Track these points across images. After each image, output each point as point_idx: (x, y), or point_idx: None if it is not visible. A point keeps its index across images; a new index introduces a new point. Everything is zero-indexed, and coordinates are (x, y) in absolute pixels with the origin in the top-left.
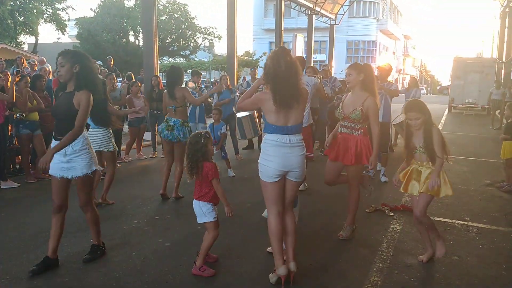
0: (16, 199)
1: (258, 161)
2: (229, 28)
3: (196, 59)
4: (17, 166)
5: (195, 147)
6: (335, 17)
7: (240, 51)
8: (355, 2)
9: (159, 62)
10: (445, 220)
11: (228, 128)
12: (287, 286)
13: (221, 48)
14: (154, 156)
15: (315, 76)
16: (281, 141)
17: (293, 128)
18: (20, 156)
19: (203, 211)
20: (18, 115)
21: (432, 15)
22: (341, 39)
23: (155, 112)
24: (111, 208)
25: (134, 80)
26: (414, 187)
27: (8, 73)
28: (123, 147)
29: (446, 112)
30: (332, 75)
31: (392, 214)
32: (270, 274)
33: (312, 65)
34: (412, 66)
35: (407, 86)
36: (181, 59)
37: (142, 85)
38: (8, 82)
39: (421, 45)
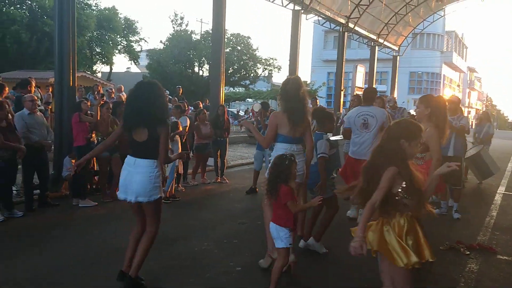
0: (93, 216)
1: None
2: (292, 58)
3: (254, 88)
4: (94, 186)
5: (279, 168)
6: (399, 48)
7: None
8: (419, 34)
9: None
10: None
11: None
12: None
13: (278, 78)
14: (218, 181)
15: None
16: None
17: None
18: (96, 177)
19: (280, 236)
20: (99, 138)
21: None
22: (403, 70)
23: (219, 139)
24: (181, 230)
25: (201, 108)
26: None
27: (89, 100)
28: (190, 171)
29: None
30: (400, 106)
31: (468, 253)
32: (260, 260)
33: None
34: (478, 100)
35: (477, 121)
36: (241, 88)
37: (208, 112)
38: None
39: (487, 79)
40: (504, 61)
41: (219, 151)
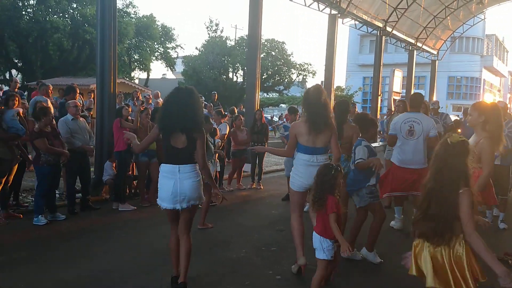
0: (132, 220)
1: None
2: (328, 63)
3: (288, 94)
4: (132, 191)
5: (324, 178)
6: (437, 52)
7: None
8: (458, 38)
9: None
10: None
11: None
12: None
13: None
14: (253, 187)
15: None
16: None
17: (320, 149)
18: (135, 182)
19: (322, 247)
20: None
21: None
22: (442, 75)
23: (255, 144)
24: (219, 236)
25: (237, 114)
26: None
27: (130, 106)
28: (226, 176)
29: None
30: (443, 112)
31: None
32: (292, 266)
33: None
34: None
35: None
36: (275, 94)
37: (243, 118)
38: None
39: None
40: None
41: (257, 157)
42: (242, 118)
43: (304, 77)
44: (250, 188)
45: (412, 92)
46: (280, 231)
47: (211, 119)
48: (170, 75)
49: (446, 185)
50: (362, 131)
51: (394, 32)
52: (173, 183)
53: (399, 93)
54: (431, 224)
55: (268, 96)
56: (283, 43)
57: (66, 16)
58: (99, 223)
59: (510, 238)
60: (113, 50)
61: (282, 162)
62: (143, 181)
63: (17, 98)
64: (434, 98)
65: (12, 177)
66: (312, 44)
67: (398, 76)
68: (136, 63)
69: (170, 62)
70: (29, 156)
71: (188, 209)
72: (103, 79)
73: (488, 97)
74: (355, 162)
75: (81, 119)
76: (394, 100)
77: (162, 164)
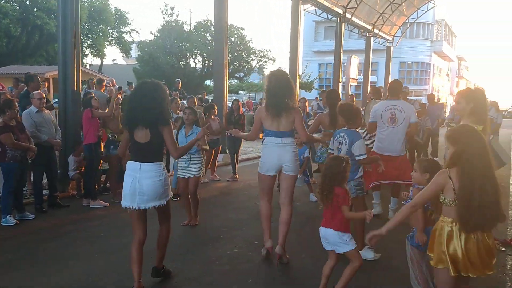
0: (107, 218)
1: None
2: (292, 50)
3: (248, 80)
4: (102, 186)
5: (334, 170)
6: (392, 38)
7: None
8: (409, 24)
9: (212, 83)
10: None
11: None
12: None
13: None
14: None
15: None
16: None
17: (286, 133)
18: (103, 176)
19: (344, 240)
20: (109, 136)
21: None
22: (393, 61)
23: (232, 135)
24: (209, 232)
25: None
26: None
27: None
28: None
29: None
30: (411, 97)
31: (504, 249)
32: (262, 249)
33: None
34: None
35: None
36: (235, 81)
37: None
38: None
39: (476, 67)
40: (491, 49)
41: (234, 147)
42: (216, 107)
43: (264, 63)
44: (225, 180)
45: (369, 79)
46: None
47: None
48: (120, 60)
49: (492, 173)
50: (347, 122)
51: (353, 18)
52: (131, 181)
53: (356, 79)
54: (487, 213)
55: (229, 83)
56: (242, 29)
57: (13, 1)
58: (72, 222)
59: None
60: (76, 36)
61: (251, 151)
62: (116, 176)
63: None
64: None
65: None
66: (271, 30)
67: (355, 62)
68: (89, 49)
69: (125, 48)
70: None
71: (158, 207)
72: (65, 68)
73: (438, 82)
74: (359, 159)
75: (45, 111)
76: (373, 87)
77: (128, 161)
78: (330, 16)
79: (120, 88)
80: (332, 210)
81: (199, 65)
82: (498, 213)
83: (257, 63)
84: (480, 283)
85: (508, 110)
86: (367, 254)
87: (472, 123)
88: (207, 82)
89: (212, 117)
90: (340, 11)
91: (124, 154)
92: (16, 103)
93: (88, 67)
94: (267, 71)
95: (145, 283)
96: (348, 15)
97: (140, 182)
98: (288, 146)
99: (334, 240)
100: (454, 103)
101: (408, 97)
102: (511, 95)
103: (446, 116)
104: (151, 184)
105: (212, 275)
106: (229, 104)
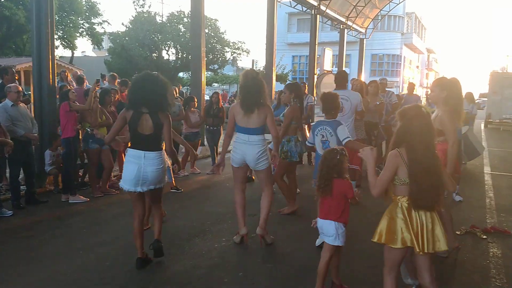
0: (87, 213)
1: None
2: (268, 42)
3: (222, 73)
4: (79, 180)
5: (330, 163)
6: (365, 31)
7: (262, 63)
8: (384, 16)
9: (187, 75)
10: None
11: None
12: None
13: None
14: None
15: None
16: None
17: (253, 130)
18: (81, 171)
19: (338, 233)
20: (88, 129)
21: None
22: (365, 53)
23: (211, 128)
24: (195, 225)
25: (190, 96)
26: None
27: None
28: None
29: (483, 127)
30: (389, 89)
31: (485, 237)
32: (234, 236)
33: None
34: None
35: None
36: (209, 73)
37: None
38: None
39: (444, 59)
40: (459, 40)
41: (213, 140)
42: (195, 99)
43: (238, 55)
44: (207, 173)
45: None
46: (252, 215)
47: None
48: (90, 52)
49: (435, 155)
50: (328, 112)
51: (327, 11)
52: (137, 168)
53: (330, 71)
54: (430, 195)
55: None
56: (216, 20)
57: None
58: (51, 218)
59: (468, 211)
60: (51, 26)
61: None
62: (95, 170)
63: None
64: (362, 76)
65: None
66: (244, 21)
67: (329, 54)
68: (59, 40)
69: (96, 39)
70: None
71: (151, 190)
72: (40, 60)
73: (408, 73)
74: (346, 141)
75: (21, 104)
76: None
77: (128, 149)
78: (304, 8)
79: (98, 80)
80: (329, 201)
81: (172, 57)
82: (437, 198)
83: (231, 55)
84: (464, 270)
85: (476, 102)
86: None
87: (446, 112)
88: (181, 74)
89: (192, 109)
90: (315, 3)
91: (110, 141)
92: None
93: (58, 58)
94: (241, 63)
95: (136, 276)
96: (322, 7)
97: (145, 170)
98: (254, 144)
99: (330, 231)
100: (426, 94)
101: (386, 89)
102: (479, 88)
103: None
104: (155, 171)
105: (202, 269)
106: (206, 97)
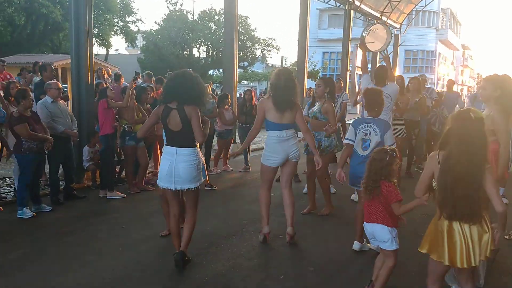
0: (126, 209)
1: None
2: (301, 39)
3: (252, 70)
4: (116, 176)
5: (379, 164)
6: (400, 26)
7: (291, 60)
8: (419, 11)
9: (217, 73)
10: None
11: None
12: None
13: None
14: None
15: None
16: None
17: (287, 125)
18: (118, 167)
19: (392, 236)
20: (125, 126)
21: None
22: (399, 49)
23: (244, 125)
24: (232, 224)
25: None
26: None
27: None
28: (212, 157)
29: None
30: (429, 86)
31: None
32: (259, 235)
33: None
34: (470, 78)
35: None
36: (240, 70)
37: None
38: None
39: (480, 56)
40: (495, 37)
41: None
42: (229, 97)
43: (268, 52)
44: (239, 171)
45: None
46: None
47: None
48: (123, 50)
49: (476, 165)
50: (372, 108)
51: (362, 6)
52: (169, 164)
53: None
54: (462, 205)
55: None
56: (247, 17)
57: None
58: (90, 213)
59: None
60: (89, 24)
61: (258, 141)
62: (131, 167)
63: None
64: (397, 73)
65: None
66: (275, 18)
67: (361, 51)
68: (95, 38)
69: (130, 37)
70: None
71: (188, 191)
72: (78, 57)
73: (443, 70)
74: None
75: (61, 101)
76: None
77: (164, 146)
78: (338, 4)
79: (135, 78)
80: (379, 205)
81: (203, 55)
82: (472, 210)
83: (261, 52)
84: (503, 270)
85: None
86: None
87: (499, 112)
88: (211, 71)
89: (226, 107)
90: None
91: (143, 135)
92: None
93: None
94: (270, 60)
95: (177, 276)
96: (357, 3)
97: (176, 166)
98: (290, 137)
99: (384, 236)
100: (467, 92)
101: (426, 86)
102: None
103: (465, 106)
104: (186, 168)
105: (241, 270)
106: (237, 94)
